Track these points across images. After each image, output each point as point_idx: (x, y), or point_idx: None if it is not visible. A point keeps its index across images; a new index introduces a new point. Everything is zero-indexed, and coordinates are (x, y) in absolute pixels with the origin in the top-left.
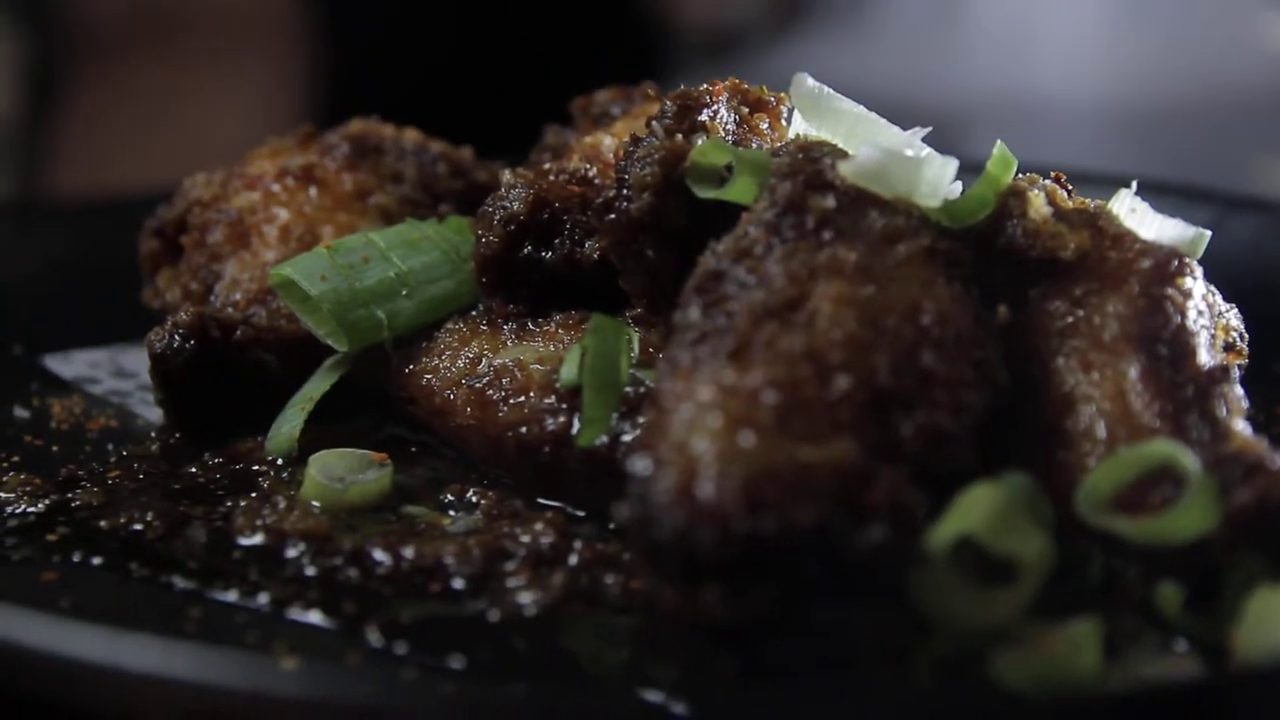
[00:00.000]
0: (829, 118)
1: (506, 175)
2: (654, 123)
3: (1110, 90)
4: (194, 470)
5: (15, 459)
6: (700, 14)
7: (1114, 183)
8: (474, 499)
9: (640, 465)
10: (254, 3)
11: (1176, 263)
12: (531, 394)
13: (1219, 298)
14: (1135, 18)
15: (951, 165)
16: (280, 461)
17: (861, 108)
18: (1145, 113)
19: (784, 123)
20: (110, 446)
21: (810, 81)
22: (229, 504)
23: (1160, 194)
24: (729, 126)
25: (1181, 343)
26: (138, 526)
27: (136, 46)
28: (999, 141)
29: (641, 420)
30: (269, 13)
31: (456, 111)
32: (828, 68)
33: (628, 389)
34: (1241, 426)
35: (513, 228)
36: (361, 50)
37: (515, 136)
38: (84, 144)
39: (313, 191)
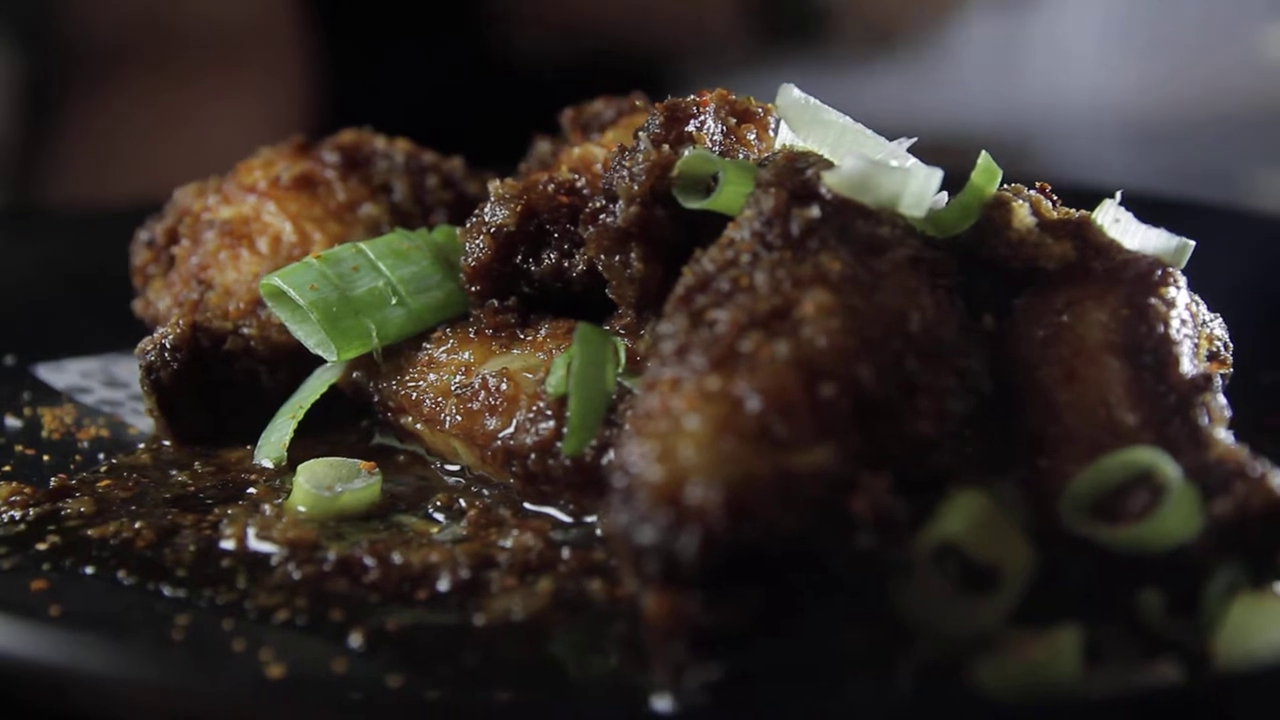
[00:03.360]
0: (815, 128)
1: (496, 186)
2: (641, 133)
3: (1123, 103)
4: (184, 479)
5: (6, 468)
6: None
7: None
8: (461, 507)
9: (624, 472)
10: (250, 18)
11: (1160, 272)
12: (519, 403)
13: (1203, 307)
14: (1142, 34)
15: (936, 176)
16: (270, 469)
17: (848, 118)
18: (1151, 126)
19: (771, 133)
20: (101, 456)
21: (796, 92)
22: (218, 512)
23: (1145, 206)
24: (716, 137)
25: (1164, 352)
26: (127, 535)
27: (134, 61)
28: (983, 152)
29: (627, 428)
30: (265, 27)
31: (447, 122)
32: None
33: (614, 397)
34: (1223, 435)
35: (502, 238)
36: (355, 62)
37: (505, 147)
38: (80, 156)
39: (304, 202)
